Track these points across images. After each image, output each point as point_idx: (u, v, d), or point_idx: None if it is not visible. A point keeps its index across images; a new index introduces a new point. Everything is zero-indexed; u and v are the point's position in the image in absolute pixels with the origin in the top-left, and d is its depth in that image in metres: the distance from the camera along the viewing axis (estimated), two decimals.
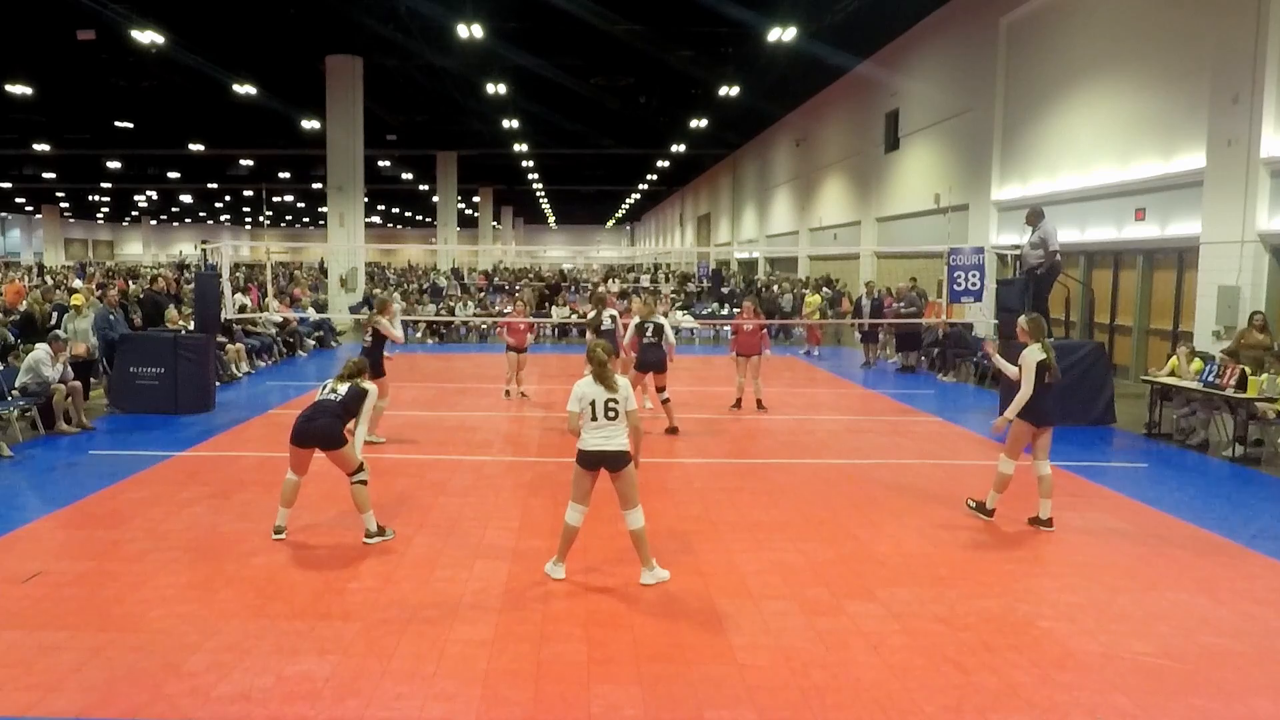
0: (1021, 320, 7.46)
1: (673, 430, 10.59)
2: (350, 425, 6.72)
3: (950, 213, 21.30)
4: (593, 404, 5.72)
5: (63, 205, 67.26)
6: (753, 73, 24.00)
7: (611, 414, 5.74)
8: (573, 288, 30.24)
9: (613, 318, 12.10)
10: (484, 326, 22.73)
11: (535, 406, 12.76)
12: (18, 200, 64.23)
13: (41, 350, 10.48)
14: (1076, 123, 16.40)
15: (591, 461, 5.79)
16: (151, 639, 4.91)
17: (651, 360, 10.48)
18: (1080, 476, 8.91)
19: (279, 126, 31.01)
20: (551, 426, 11.18)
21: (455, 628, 5.12)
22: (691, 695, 4.39)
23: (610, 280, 32.19)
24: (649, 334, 10.45)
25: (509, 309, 17.11)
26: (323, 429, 6.54)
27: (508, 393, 13.33)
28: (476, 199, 56.62)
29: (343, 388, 6.69)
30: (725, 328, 18.85)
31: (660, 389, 10.75)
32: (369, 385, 6.80)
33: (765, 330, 12.87)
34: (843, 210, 29.73)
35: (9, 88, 23.86)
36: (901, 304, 17.65)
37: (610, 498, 7.55)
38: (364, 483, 6.66)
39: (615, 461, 5.75)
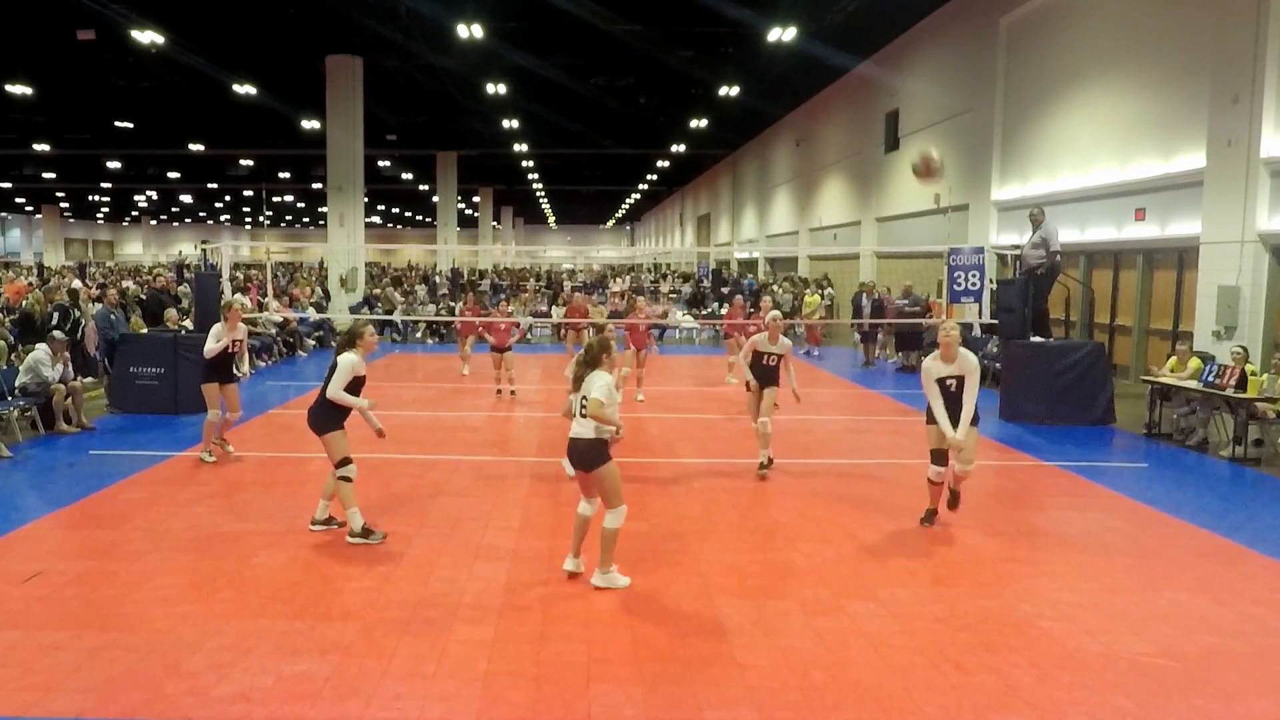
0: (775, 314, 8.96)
1: (955, 501, 7.33)
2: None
3: (950, 213, 21.30)
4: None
5: (63, 205, 67.19)
6: (753, 73, 23.97)
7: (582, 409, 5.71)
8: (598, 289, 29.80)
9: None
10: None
11: (535, 406, 12.76)
12: (18, 200, 64.16)
13: (41, 350, 10.50)
14: (1076, 123, 16.39)
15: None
16: (151, 639, 4.91)
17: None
18: (1080, 476, 8.91)
19: (279, 126, 30.97)
20: (552, 425, 11.17)
21: (455, 628, 5.12)
22: (691, 695, 4.39)
23: (616, 280, 32.00)
24: (952, 386, 6.91)
25: (510, 309, 17.14)
26: (310, 416, 6.57)
27: (499, 392, 13.38)
28: (476, 199, 56.59)
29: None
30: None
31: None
32: (344, 355, 6.53)
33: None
34: (843, 210, 29.72)
35: (9, 88, 23.82)
36: (905, 301, 17.64)
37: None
38: (347, 479, 6.51)
39: (575, 456, 5.73)
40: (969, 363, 6.90)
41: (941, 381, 6.94)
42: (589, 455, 5.63)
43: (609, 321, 13.76)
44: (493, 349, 13.28)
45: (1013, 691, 4.47)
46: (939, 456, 7.01)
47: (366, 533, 6.53)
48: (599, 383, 5.64)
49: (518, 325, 14.07)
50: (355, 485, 6.63)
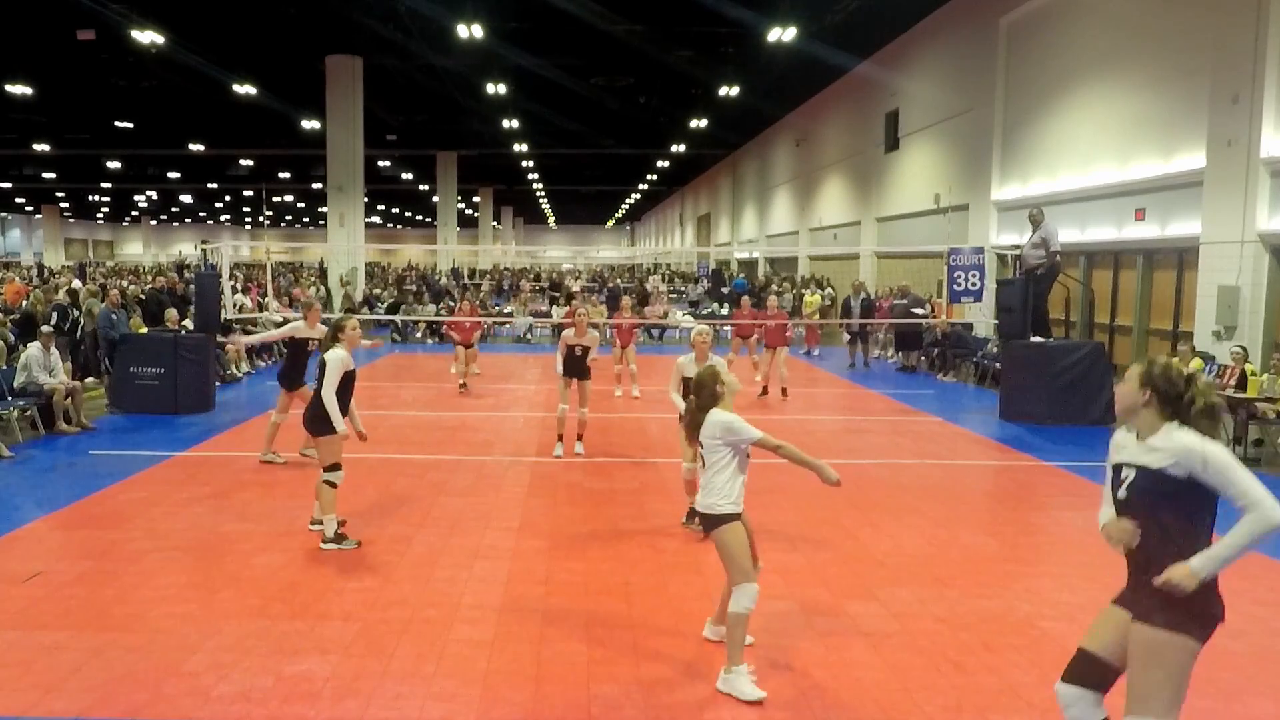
0: (701, 328, 7.39)
1: None
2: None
3: (950, 213, 21.30)
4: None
5: (63, 205, 67.24)
6: (753, 73, 23.99)
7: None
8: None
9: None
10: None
11: (536, 406, 12.76)
12: (18, 200, 64.21)
13: (34, 348, 10.46)
14: (1076, 123, 16.39)
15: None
16: (151, 639, 4.90)
17: None
18: (1080, 476, 8.90)
19: (279, 126, 31.00)
20: (552, 426, 11.16)
21: (455, 628, 5.12)
22: (691, 695, 4.38)
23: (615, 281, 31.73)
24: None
25: (508, 308, 17.19)
26: (307, 417, 6.54)
27: (462, 386, 13.87)
28: (476, 199, 56.64)
29: None
30: (725, 328, 18.90)
31: None
32: (331, 353, 6.44)
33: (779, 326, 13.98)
34: (843, 210, 29.73)
35: (9, 88, 23.86)
36: (904, 302, 17.57)
37: (609, 501, 7.53)
38: (331, 484, 6.41)
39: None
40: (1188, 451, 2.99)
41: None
42: (706, 519, 4.58)
43: (605, 321, 13.98)
44: (459, 345, 14.11)
45: (1013, 691, 4.47)
46: None
47: (339, 539, 6.43)
48: (745, 426, 4.47)
49: (481, 322, 14.65)
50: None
